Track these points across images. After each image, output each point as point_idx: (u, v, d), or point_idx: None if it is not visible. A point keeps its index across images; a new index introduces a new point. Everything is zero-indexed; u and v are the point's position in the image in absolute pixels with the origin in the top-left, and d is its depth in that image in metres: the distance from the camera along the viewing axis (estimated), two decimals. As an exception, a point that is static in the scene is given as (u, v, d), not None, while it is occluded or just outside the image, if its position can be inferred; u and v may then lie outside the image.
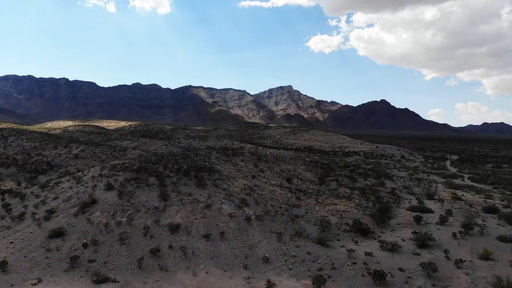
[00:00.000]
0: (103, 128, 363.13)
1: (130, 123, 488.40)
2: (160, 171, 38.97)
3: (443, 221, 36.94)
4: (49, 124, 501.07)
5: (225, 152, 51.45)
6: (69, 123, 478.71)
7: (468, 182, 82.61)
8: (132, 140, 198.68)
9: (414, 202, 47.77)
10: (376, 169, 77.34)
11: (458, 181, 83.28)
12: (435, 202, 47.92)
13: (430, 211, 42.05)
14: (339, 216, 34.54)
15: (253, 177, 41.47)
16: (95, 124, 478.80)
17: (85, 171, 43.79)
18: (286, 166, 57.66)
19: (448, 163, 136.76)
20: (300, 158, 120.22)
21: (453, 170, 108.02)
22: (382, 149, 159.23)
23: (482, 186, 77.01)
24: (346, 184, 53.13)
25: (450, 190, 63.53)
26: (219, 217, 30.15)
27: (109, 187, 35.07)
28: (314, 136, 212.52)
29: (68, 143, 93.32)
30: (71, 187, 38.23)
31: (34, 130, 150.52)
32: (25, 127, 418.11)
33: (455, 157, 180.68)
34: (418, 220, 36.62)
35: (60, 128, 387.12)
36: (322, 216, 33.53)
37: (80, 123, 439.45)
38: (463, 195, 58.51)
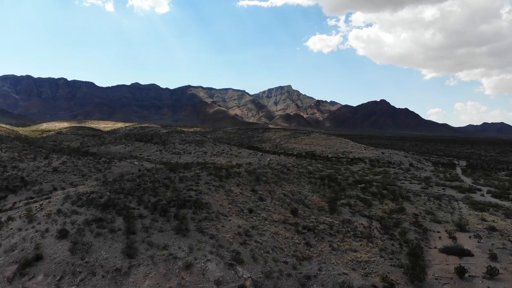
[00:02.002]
0: (98, 130, 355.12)
1: (126, 124, 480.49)
2: (132, 208, 30.84)
3: (491, 273, 29.01)
4: (44, 125, 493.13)
5: (218, 174, 43.31)
6: (65, 124, 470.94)
7: (490, 198, 74.75)
8: (126, 144, 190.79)
9: (444, 236, 39.83)
10: (389, 186, 69.42)
11: (478, 197, 75.57)
12: (470, 237, 39.86)
13: (468, 253, 34.07)
14: (362, 272, 26.45)
15: (250, 211, 33.36)
16: (92, 125, 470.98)
17: (43, 203, 35.61)
18: (289, 187, 49.61)
19: (459, 171, 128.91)
20: (302, 167, 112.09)
21: (467, 180, 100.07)
22: (388, 155, 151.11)
23: (507, 203, 69.20)
24: (361, 211, 45.11)
25: (476, 213, 55.71)
26: (202, 285, 22.05)
27: (63, 234, 26.95)
28: (315, 140, 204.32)
29: (48, 154, 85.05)
30: (20, 229, 30.09)
31: (17, 136, 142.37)
32: (18, 128, 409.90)
33: (463, 162, 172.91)
34: (460, 272, 28.68)
35: (54, 130, 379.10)
36: (341, 274, 25.44)
37: (76, 125, 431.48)
38: (493, 220, 50.69)
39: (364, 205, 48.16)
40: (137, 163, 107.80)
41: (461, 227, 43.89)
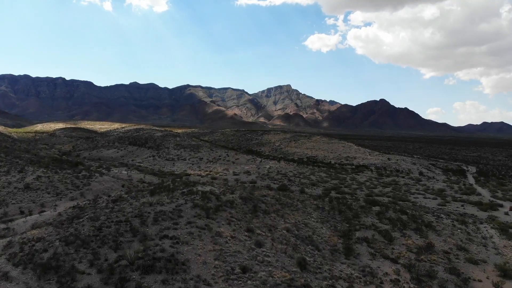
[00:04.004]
0: (93, 131, 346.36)
1: (123, 125, 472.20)
2: (80, 271, 22.46)
3: None
4: (39, 126, 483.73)
5: (205, 206, 34.96)
6: (60, 125, 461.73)
7: (516, 217, 66.78)
8: (119, 149, 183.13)
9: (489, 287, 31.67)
10: (402, 203, 61.28)
11: (502, 215, 67.47)
12: (523, 289, 31.69)
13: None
14: None
15: (244, 270, 24.94)
16: (87, 126, 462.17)
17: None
18: (293, 217, 41.30)
19: (471, 179, 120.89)
20: (305, 176, 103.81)
21: (484, 193, 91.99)
22: (395, 161, 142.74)
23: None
24: (382, 250, 36.83)
25: (510, 243, 47.58)
26: None
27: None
28: (317, 143, 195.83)
29: (24, 166, 76.57)
30: None
31: (4, 140, 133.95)
32: (13, 129, 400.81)
33: (472, 168, 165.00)
34: None
35: (49, 131, 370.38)
36: None
37: (71, 126, 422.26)
38: (537, 255, 42.52)
39: (384, 240, 39.84)
40: (125, 172, 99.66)
41: (505, 271, 35.60)
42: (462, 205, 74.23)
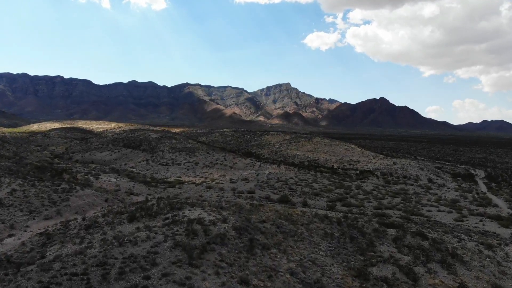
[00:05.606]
0: (89, 131, 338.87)
1: (120, 125, 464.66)
2: None
3: None
4: (35, 126, 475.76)
5: (189, 245, 28.14)
6: (56, 125, 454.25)
7: (544, 236, 60.16)
8: (112, 151, 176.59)
9: None
10: (415, 217, 54.56)
11: (527, 233, 61.04)
12: None
13: None
14: None
15: None
16: (84, 126, 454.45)
17: None
18: (298, 253, 34.60)
19: (482, 186, 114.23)
20: (307, 184, 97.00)
21: (500, 203, 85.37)
22: (401, 166, 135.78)
23: None
24: (407, 297, 30.14)
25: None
26: None
27: None
28: (318, 145, 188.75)
29: (1, 177, 69.71)
30: None
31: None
32: (8, 129, 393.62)
33: (480, 171, 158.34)
34: None
35: (44, 131, 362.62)
36: None
37: (67, 125, 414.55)
38: None
39: (407, 280, 33.12)
40: (114, 180, 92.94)
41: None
42: (481, 220, 67.54)
